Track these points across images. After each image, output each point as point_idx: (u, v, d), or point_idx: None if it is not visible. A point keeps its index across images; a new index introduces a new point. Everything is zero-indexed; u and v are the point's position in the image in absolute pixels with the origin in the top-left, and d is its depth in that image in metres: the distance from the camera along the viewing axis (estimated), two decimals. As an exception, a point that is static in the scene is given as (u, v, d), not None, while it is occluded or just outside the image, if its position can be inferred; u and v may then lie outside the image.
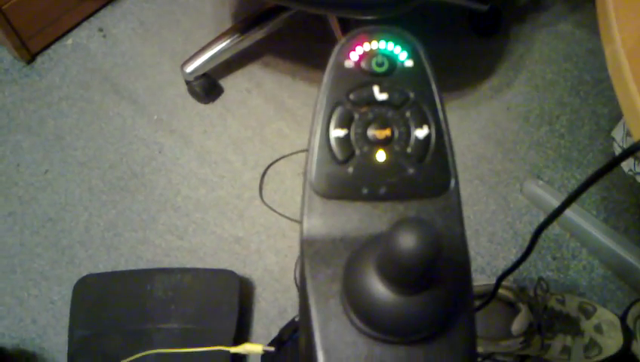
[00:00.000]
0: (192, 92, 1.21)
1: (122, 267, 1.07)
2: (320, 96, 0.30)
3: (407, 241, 0.22)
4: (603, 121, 1.18)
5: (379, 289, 0.24)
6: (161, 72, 1.26)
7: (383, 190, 0.29)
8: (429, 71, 0.31)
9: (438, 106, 0.30)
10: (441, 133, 0.30)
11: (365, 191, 0.29)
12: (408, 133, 0.29)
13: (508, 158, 1.15)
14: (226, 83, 1.24)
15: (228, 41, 1.17)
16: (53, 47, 1.29)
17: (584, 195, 1.11)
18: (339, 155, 0.29)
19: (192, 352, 0.68)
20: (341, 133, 0.30)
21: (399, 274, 0.23)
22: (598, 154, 1.15)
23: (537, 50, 1.27)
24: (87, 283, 1.00)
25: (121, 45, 1.29)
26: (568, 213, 1.06)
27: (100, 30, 1.31)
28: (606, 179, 1.11)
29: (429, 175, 0.29)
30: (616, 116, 1.16)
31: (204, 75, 1.19)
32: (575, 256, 1.06)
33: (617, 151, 1.10)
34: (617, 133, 1.10)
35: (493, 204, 1.11)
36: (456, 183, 0.29)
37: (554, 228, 1.08)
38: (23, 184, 1.15)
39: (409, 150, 0.29)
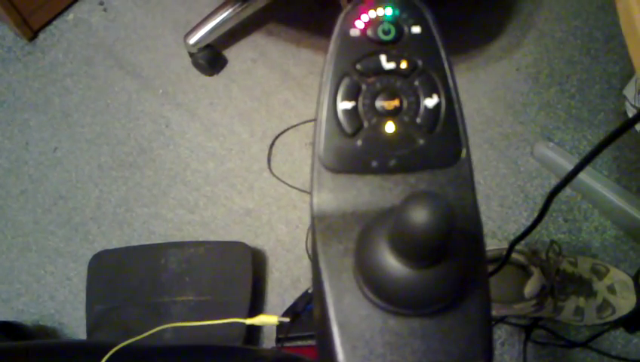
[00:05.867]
0: (196, 64, 1.20)
1: (135, 242, 1.08)
2: (326, 67, 0.30)
3: (420, 216, 0.21)
4: (614, 80, 1.16)
5: (392, 263, 0.24)
6: (164, 44, 1.25)
7: (393, 162, 0.29)
8: (437, 37, 0.30)
9: (448, 74, 0.29)
10: (451, 101, 0.29)
11: (375, 164, 0.29)
12: (417, 103, 0.29)
13: (518, 121, 1.14)
14: (230, 53, 1.23)
15: (230, 10, 1.15)
16: (54, 22, 1.28)
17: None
18: (347, 128, 0.29)
19: (208, 324, 0.69)
20: (349, 105, 0.29)
21: (412, 249, 0.23)
22: (609, 113, 1.13)
23: (546, 8, 1.24)
24: (102, 259, 1.02)
25: (123, 18, 1.28)
26: (580, 174, 1.04)
27: (101, 4, 1.29)
28: (617, 139, 1.09)
29: (440, 145, 0.29)
30: (628, 74, 1.14)
31: (207, 46, 1.18)
32: (587, 218, 1.06)
33: (629, 109, 1.08)
34: (629, 92, 1.08)
35: (504, 167, 1.10)
36: (468, 152, 0.29)
37: (565, 190, 1.08)
38: (33, 163, 1.16)
39: (419, 120, 0.29)
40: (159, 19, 1.27)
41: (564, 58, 1.19)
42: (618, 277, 0.95)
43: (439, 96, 0.29)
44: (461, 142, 0.29)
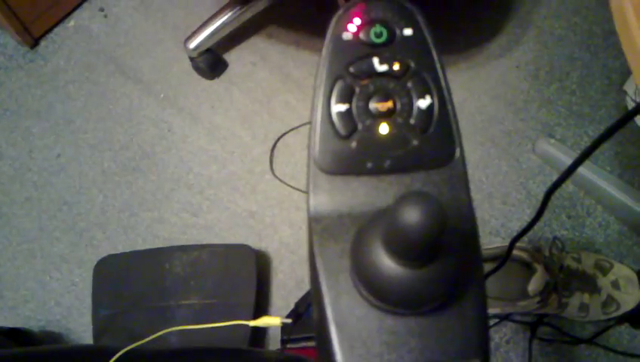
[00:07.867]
0: (197, 68, 1.21)
1: (140, 246, 1.09)
2: (319, 71, 0.30)
3: (412, 216, 0.22)
4: (615, 75, 1.15)
5: (387, 263, 0.24)
6: (164, 49, 1.25)
7: (387, 163, 0.29)
8: (428, 38, 0.30)
9: (440, 74, 0.29)
10: (443, 101, 0.29)
11: (370, 165, 0.29)
12: (411, 104, 0.29)
13: (519, 118, 1.14)
14: (231, 57, 1.23)
15: (230, 13, 1.15)
16: (55, 30, 1.29)
17: (597, 152, 1.09)
18: (341, 130, 0.29)
19: (212, 327, 0.69)
20: (343, 107, 0.29)
21: (405, 248, 0.23)
22: (610, 109, 1.13)
23: (545, 5, 1.24)
24: (107, 264, 1.02)
25: (123, 24, 1.29)
26: (582, 170, 1.04)
27: (101, 10, 1.30)
28: (619, 134, 1.09)
29: (434, 145, 0.29)
30: (628, 69, 1.13)
31: (207, 50, 1.18)
32: (590, 214, 1.06)
33: (630, 104, 1.08)
34: (629, 87, 1.08)
35: (506, 165, 1.10)
36: (462, 152, 0.29)
37: (568, 187, 1.08)
38: (37, 169, 1.17)
39: (412, 121, 0.29)
40: (159, 25, 1.28)
41: (564, 55, 1.19)
42: (622, 272, 0.95)
43: (432, 97, 0.29)
44: (455, 142, 0.29)
